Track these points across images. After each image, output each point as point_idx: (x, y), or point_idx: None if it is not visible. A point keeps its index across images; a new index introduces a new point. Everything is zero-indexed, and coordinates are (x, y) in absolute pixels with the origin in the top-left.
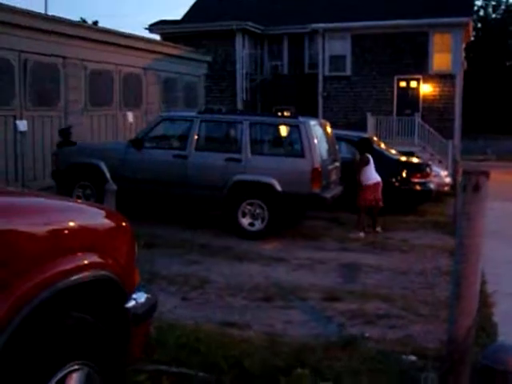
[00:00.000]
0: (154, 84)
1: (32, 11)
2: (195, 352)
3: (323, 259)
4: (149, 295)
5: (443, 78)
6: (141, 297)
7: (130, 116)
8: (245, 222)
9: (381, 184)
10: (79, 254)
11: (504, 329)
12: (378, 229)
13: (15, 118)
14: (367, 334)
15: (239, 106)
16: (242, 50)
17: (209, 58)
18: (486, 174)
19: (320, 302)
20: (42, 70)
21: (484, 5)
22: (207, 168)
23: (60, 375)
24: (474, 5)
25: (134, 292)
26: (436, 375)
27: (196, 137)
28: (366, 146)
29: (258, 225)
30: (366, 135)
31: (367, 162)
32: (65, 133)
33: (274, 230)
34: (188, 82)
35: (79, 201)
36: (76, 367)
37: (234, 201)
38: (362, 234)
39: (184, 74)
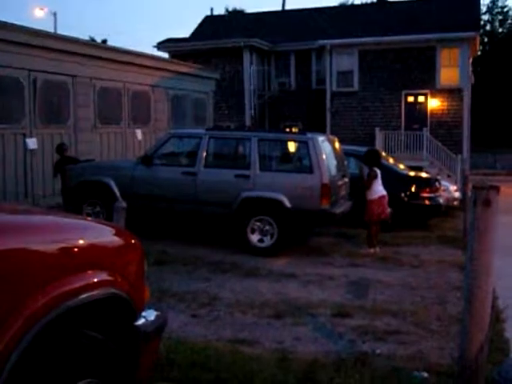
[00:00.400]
0: (163, 101)
1: (41, 30)
2: (205, 369)
3: (333, 275)
4: (158, 313)
5: (451, 92)
6: (150, 314)
7: (139, 133)
8: (254, 238)
9: (386, 198)
10: (89, 272)
11: None
12: (377, 249)
13: (25, 135)
14: (378, 351)
15: (247, 122)
16: (250, 67)
17: (217, 75)
18: (497, 189)
19: (330, 318)
20: (51, 89)
21: (491, 19)
22: (216, 184)
23: None
24: (480, 19)
25: (143, 310)
26: None
27: (205, 154)
28: (373, 158)
29: (267, 241)
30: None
31: (375, 177)
32: (57, 149)
33: (283, 246)
34: (196, 99)
35: (89, 218)
36: None
37: (242, 217)
38: (372, 250)
39: (192, 91)
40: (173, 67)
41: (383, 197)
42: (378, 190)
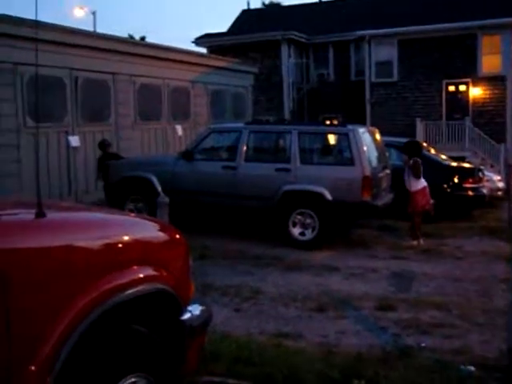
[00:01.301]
0: (202, 96)
1: (82, 29)
2: (249, 364)
3: (375, 268)
4: (203, 307)
5: (493, 80)
6: (196, 309)
7: (179, 129)
8: (295, 231)
9: (428, 188)
10: (135, 267)
11: None
12: (421, 241)
13: (67, 133)
14: (423, 344)
15: (286, 115)
16: (288, 60)
17: (255, 69)
18: None
19: (373, 311)
20: (92, 87)
21: None
22: (257, 178)
23: None
24: None
25: (189, 304)
26: None
27: (245, 148)
28: (414, 149)
29: (309, 234)
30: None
31: (421, 165)
32: (100, 145)
33: (324, 239)
34: (235, 94)
35: (132, 214)
36: (134, 380)
37: (284, 211)
38: (415, 242)
39: (231, 86)
40: (211, 62)
41: (425, 188)
42: (421, 180)
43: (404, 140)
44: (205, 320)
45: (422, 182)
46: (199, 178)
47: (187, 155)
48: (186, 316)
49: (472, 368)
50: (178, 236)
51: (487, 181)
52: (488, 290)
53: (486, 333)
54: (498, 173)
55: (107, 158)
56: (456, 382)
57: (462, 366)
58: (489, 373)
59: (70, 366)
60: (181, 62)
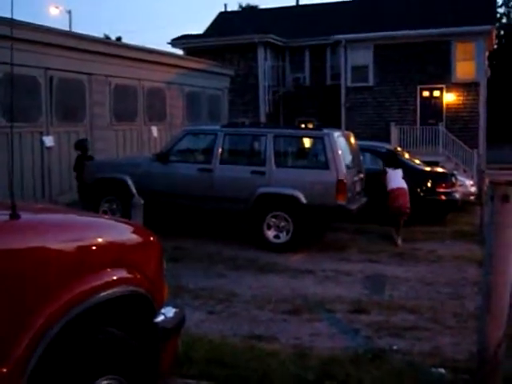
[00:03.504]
0: (178, 98)
1: (57, 29)
2: (223, 366)
3: (349, 271)
4: (177, 310)
5: (467, 86)
6: (169, 311)
7: (155, 130)
8: (270, 234)
9: (405, 191)
10: (108, 269)
11: None
12: (399, 241)
13: (42, 133)
14: (395, 347)
15: (262, 118)
16: (265, 63)
17: (231, 72)
18: None
19: (347, 314)
20: (67, 87)
21: (507, 12)
22: (232, 181)
23: None
24: (496, 12)
25: (162, 307)
26: None
27: (220, 150)
28: (391, 158)
29: (283, 237)
30: (389, 146)
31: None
32: (81, 145)
33: (299, 242)
34: (211, 96)
35: (107, 216)
36: (107, 382)
37: (258, 213)
38: (399, 242)
39: (207, 88)
40: (187, 64)
41: (401, 189)
42: (396, 183)
43: (379, 144)
44: (178, 322)
45: (397, 183)
46: (174, 179)
47: (162, 157)
48: (160, 318)
49: (443, 370)
50: (151, 238)
51: (460, 186)
52: (460, 293)
53: (457, 336)
54: (471, 178)
55: (86, 158)
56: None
57: (433, 369)
58: (459, 375)
59: (42, 369)
60: (157, 63)
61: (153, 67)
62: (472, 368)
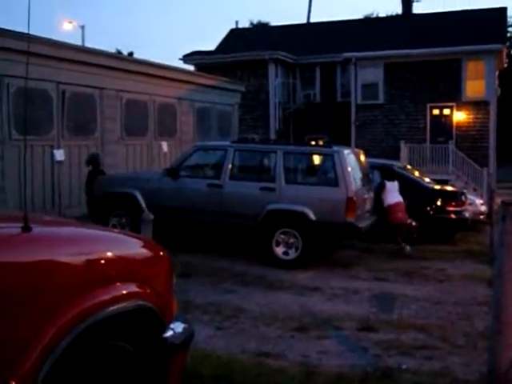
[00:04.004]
0: (188, 114)
1: (70, 43)
2: (231, 382)
3: (358, 289)
4: (186, 325)
5: (477, 105)
6: (178, 327)
7: (165, 145)
8: (279, 250)
9: (403, 205)
10: (118, 284)
11: None
12: (407, 247)
13: (52, 147)
14: (404, 366)
15: (272, 135)
16: (275, 80)
17: (242, 88)
18: None
19: (355, 331)
20: (78, 101)
21: None
22: (241, 197)
23: None
24: (507, 31)
25: (171, 322)
26: None
27: (230, 166)
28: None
29: (292, 254)
30: (398, 164)
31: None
32: (93, 160)
33: (307, 259)
34: (222, 112)
35: (117, 230)
36: None
37: (267, 230)
38: (403, 244)
39: (218, 104)
40: (198, 80)
41: (400, 203)
42: (394, 198)
43: (388, 162)
44: (187, 338)
45: (395, 198)
46: (184, 195)
47: (172, 172)
48: (169, 333)
49: None
50: (161, 253)
51: (470, 204)
52: (469, 312)
53: (467, 355)
54: (481, 196)
55: (98, 173)
56: None
57: None
58: None
59: (51, 382)
60: (168, 78)
61: (164, 83)
62: None
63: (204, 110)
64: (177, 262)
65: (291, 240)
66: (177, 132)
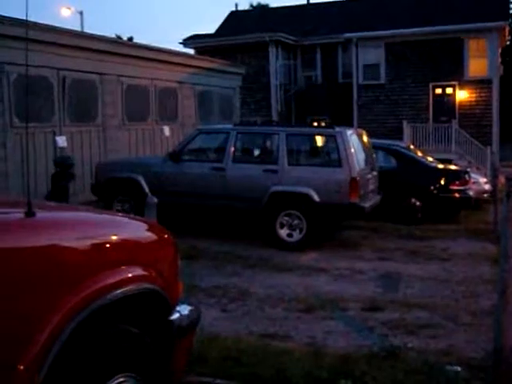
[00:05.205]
0: (190, 97)
1: (69, 29)
2: (237, 364)
3: (362, 269)
4: (192, 307)
5: (479, 83)
6: (184, 309)
7: (167, 130)
8: (283, 232)
9: None
10: (124, 267)
11: None
12: None
13: (55, 133)
14: (410, 345)
15: (274, 117)
16: (276, 62)
17: (243, 71)
18: None
19: (361, 312)
20: (79, 87)
21: None
22: (245, 180)
23: None
24: (509, 8)
25: (177, 304)
26: None
27: (233, 149)
28: None
29: (297, 235)
30: (401, 143)
31: None
32: (61, 163)
33: (312, 241)
34: (223, 95)
35: (121, 214)
36: (122, 379)
37: (271, 212)
38: None
39: (219, 87)
40: (199, 63)
41: None
42: None
43: (391, 142)
44: (193, 320)
45: None
46: (187, 179)
47: (175, 156)
48: (175, 316)
49: (458, 368)
50: (166, 236)
51: (473, 183)
52: (474, 291)
53: (472, 333)
54: (485, 175)
55: (64, 177)
56: (442, 383)
57: (448, 367)
58: (474, 373)
59: (59, 366)
60: (168, 62)
61: (164, 67)
62: (487, 366)
63: (205, 94)
64: (181, 245)
65: (295, 222)
66: (178, 116)
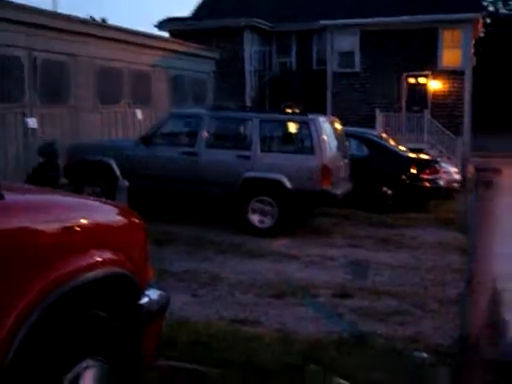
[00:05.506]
0: (163, 81)
1: (42, 9)
2: (207, 349)
3: (334, 256)
4: (161, 292)
5: (452, 74)
6: (154, 294)
7: (139, 113)
8: (255, 219)
9: None
10: (93, 251)
11: None
12: None
13: (25, 115)
14: (379, 331)
15: (248, 102)
16: (251, 47)
17: (217, 55)
18: (499, 171)
19: (331, 298)
20: (51, 68)
21: (493, 0)
22: (217, 165)
23: (75, 372)
24: (483, 0)
25: (147, 289)
26: (448, 371)
27: (206, 134)
28: None
29: (268, 222)
30: (373, 132)
31: None
32: (49, 152)
33: (284, 227)
34: (196, 79)
35: (92, 198)
36: (90, 363)
37: (243, 198)
38: None
39: (193, 71)
40: (173, 47)
41: None
42: None
43: (364, 130)
44: (163, 305)
45: None
46: (159, 163)
47: (147, 140)
48: (144, 300)
49: (425, 355)
50: (137, 220)
51: (444, 172)
52: (443, 279)
53: (440, 321)
54: (455, 165)
55: (52, 168)
56: (409, 368)
57: (416, 353)
58: (441, 359)
59: (25, 350)
60: (142, 45)
61: (138, 49)
62: (454, 353)
63: (179, 78)
64: (152, 230)
65: (267, 208)
66: (151, 99)
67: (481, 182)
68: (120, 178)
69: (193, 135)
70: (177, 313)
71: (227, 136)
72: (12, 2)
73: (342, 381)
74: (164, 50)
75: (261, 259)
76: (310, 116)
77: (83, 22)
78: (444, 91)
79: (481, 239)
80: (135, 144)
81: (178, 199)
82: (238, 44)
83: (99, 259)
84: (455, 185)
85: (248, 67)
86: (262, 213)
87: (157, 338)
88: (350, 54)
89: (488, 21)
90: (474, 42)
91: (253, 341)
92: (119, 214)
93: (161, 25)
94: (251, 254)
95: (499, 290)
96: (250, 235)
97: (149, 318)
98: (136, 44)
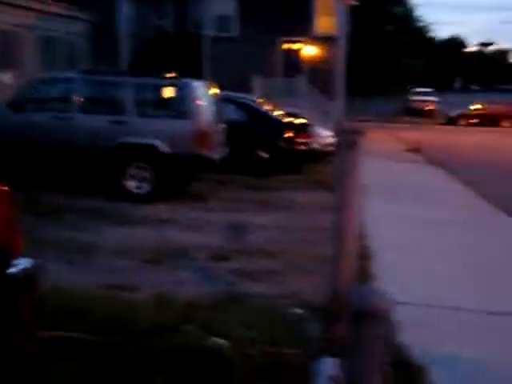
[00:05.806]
0: (33, 44)
1: None
2: (83, 316)
3: (211, 220)
4: (33, 261)
5: (327, 40)
6: (24, 263)
7: (6, 77)
8: (132, 185)
9: None
10: None
11: (382, 279)
12: None
13: None
14: (256, 290)
15: (123, 67)
16: (125, 9)
17: (89, 17)
18: (361, 133)
19: (209, 261)
20: None
21: None
22: (91, 130)
23: None
24: None
25: (17, 258)
26: (319, 325)
27: (78, 98)
28: None
29: (146, 188)
30: (250, 97)
31: None
32: None
33: (161, 193)
34: (68, 42)
35: None
36: None
37: (119, 163)
38: None
39: (63, 33)
40: (42, 7)
41: None
42: None
43: (241, 95)
44: (34, 274)
45: None
46: (29, 129)
47: (14, 105)
48: (14, 269)
49: (300, 310)
50: (3, 188)
51: (318, 136)
52: (316, 238)
53: (314, 278)
54: (329, 129)
55: None
56: (284, 323)
57: (291, 309)
58: (315, 314)
59: None
60: (9, 4)
61: (4, 9)
62: (326, 307)
63: (49, 40)
64: (23, 198)
65: (144, 174)
66: (19, 63)
67: (344, 144)
68: None
69: (65, 100)
70: (52, 281)
71: (101, 100)
72: None
73: (217, 339)
74: (33, 10)
75: (138, 225)
76: (185, 80)
77: None
78: (319, 57)
79: (343, 198)
80: (2, 109)
81: (51, 166)
82: (113, 6)
83: None
84: (330, 148)
85: (123, 30)
86: (140, 179)
87: (30, 307)
88: (227, 18)
89: None
90: (348, 9)
91: (130, 306)
92: None
93: None
94: (128, 220)
95: (367, 245)
96: (126, 201)
97: (20, 287)
98: (2, 3)
